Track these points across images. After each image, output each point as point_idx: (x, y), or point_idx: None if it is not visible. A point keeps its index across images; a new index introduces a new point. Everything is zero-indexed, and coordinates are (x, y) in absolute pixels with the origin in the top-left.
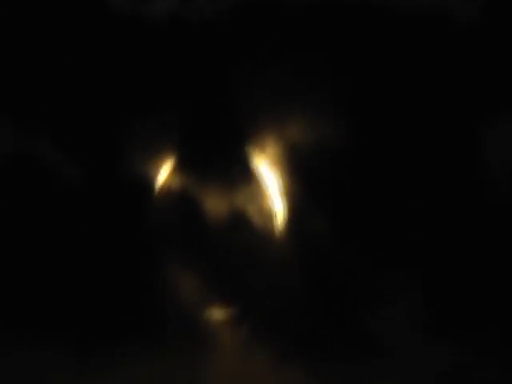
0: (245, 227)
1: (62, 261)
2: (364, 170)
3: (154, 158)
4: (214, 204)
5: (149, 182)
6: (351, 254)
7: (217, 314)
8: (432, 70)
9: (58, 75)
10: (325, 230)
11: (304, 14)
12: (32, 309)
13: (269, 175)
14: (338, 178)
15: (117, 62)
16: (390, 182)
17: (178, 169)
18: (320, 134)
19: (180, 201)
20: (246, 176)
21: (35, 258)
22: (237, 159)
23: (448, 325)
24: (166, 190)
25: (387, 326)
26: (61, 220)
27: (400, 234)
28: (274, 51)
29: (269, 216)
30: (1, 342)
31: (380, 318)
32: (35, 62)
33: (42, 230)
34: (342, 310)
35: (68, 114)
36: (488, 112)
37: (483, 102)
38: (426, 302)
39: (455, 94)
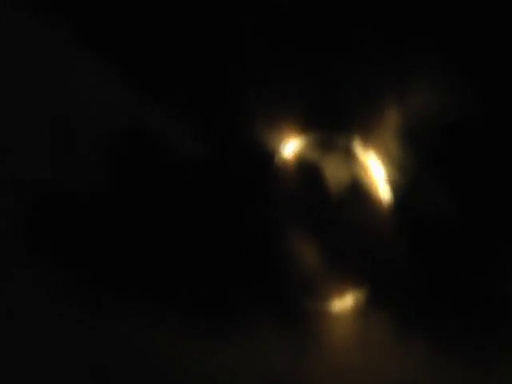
0: (360, 199)
1: (187, 233)
2: (484, 142)
3: (275, 129)
4: (334, 175)
5: (270, 152)
6: (468, 228)
7: (335, 287)
8: None
9: (179, 44)
10: (440, 203)
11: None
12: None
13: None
14: (455, 150)
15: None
16: None
17: (300, 139)
18: (439, 104)
19: (302, 171)
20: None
21: (159, 234)
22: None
23: None
24: (288, 160)
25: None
26: (183, 195)
27: None
28: None
29: (382, 189)
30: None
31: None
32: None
33: (164, 204)
34: (463, 282)
35: (187, 85)
36: None
37: None
38: None
39: None
